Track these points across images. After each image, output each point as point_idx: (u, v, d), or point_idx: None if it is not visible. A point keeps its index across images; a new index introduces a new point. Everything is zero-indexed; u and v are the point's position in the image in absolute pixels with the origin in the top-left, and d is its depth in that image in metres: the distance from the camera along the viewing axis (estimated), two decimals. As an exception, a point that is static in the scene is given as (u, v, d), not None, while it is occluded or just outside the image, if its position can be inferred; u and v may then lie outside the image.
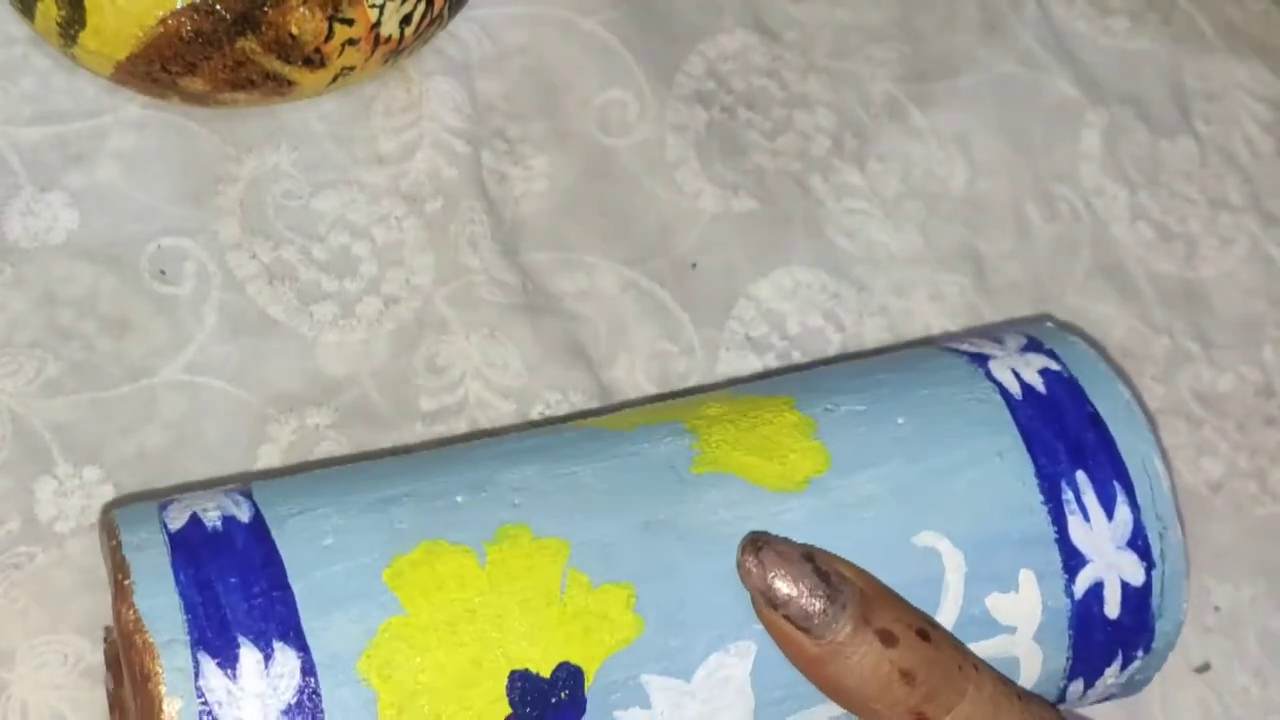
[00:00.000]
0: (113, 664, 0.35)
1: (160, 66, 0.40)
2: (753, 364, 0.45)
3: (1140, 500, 0.37)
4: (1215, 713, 0.45)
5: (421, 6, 0.42)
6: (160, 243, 0.43)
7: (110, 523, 0.34)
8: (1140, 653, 0.37)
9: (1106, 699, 0.39)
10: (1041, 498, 0.36)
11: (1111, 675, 0.37)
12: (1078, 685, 0.37)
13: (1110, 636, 0.36)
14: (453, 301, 0.44)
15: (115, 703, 0.34)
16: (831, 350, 0.46)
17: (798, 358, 0.46)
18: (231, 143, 0.44)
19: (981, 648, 0.35)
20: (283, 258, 0.43)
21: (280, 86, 0.41)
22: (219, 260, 0.43)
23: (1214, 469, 0.48)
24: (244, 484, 0.36)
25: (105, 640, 0.35)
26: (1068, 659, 0.36)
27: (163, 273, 0.42)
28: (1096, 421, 0.37)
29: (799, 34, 0.49)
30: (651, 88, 0.48)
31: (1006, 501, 0.36)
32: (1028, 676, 0.36)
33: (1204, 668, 0.45)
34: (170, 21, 0.40)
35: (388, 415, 0.42)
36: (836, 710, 0.34)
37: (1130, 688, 0.38)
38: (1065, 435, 0.37)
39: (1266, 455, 0.48)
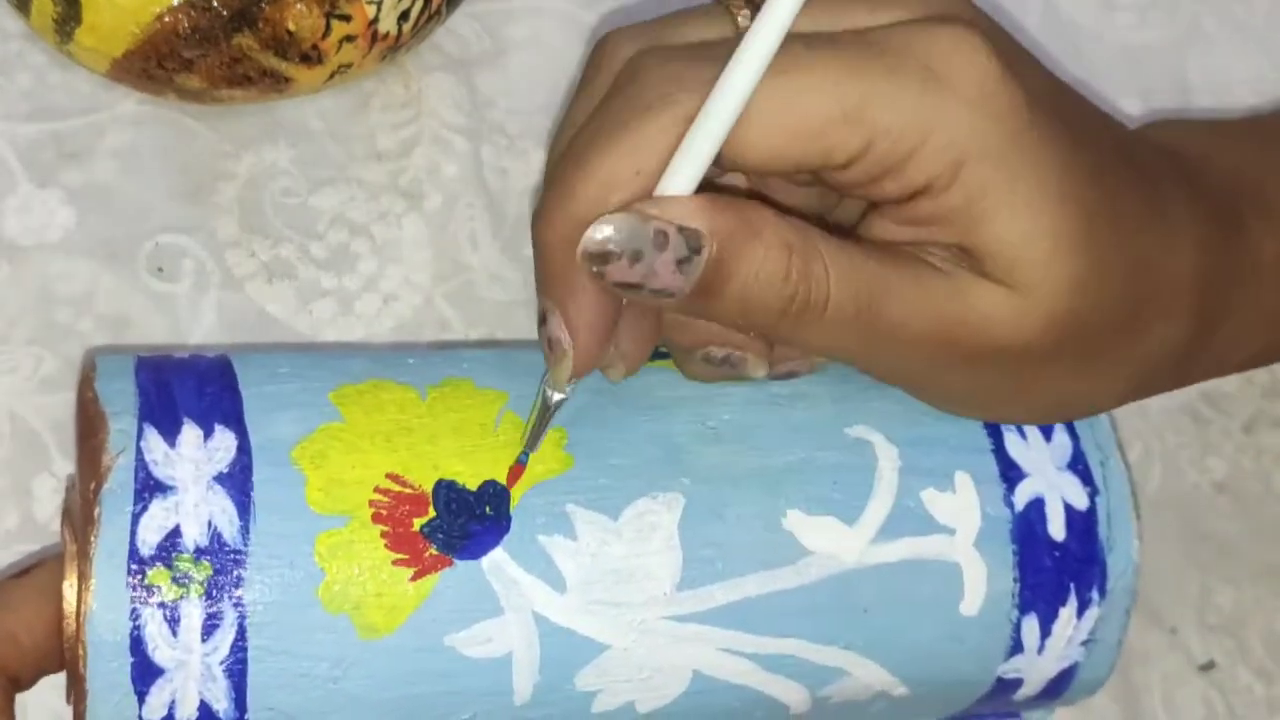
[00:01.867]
0: (70, 488, 0.36)
1: (157, 63, 0.40)
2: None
3: (1079, 430, 0.37)
4: (1219, 711, 0.45)
5: (419, 3, 0.41)
6: (158, 240, 0.42)
7: (89, 353, 0.36)
8: (1095, 594, 0.37)
9: (1084, 690, 0.38)
10: None
11: (1068, 620, 0.37)
12: (1032, 625, 0.37)
13: (1059, 563, 0.36)
14: (452, 299, 0.44)
15: (66, 516, 0.35)
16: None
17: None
18: (229, 140, 0.44)
19: (920, 545, 0.36)
20: (281, 255, 0.43)
21: (277, 83, 0.41)
22: (217, 258, 0.43)
23: (1219, 469, 0.47)
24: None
25: (69, 484, 0.37)
26: (1014, 579, 0.36)
27: (160, 270, 0.42)
28: None
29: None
30: (653, 81, 0.47)
31: (941, 413, 0.36)
32: (973, 592, 0.36)
33: (1208, 665, 0.45)
34: (167, 18, 0.39)
35: (387, 413, 0.42)
36: (769, 583, 0.35)
37: (1097, 657, 0.38)
38: None
39: (1272, 456, 0.48)
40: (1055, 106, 0.33)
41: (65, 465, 0.40)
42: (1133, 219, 0.34)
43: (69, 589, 0.33)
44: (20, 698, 0.37)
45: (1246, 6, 0.53)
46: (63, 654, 0.34)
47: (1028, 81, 0.32)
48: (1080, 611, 0.37)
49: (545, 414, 0.34)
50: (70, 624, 0.33)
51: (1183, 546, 0.46)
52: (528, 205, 0.45)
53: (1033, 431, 0.37)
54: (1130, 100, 0.51)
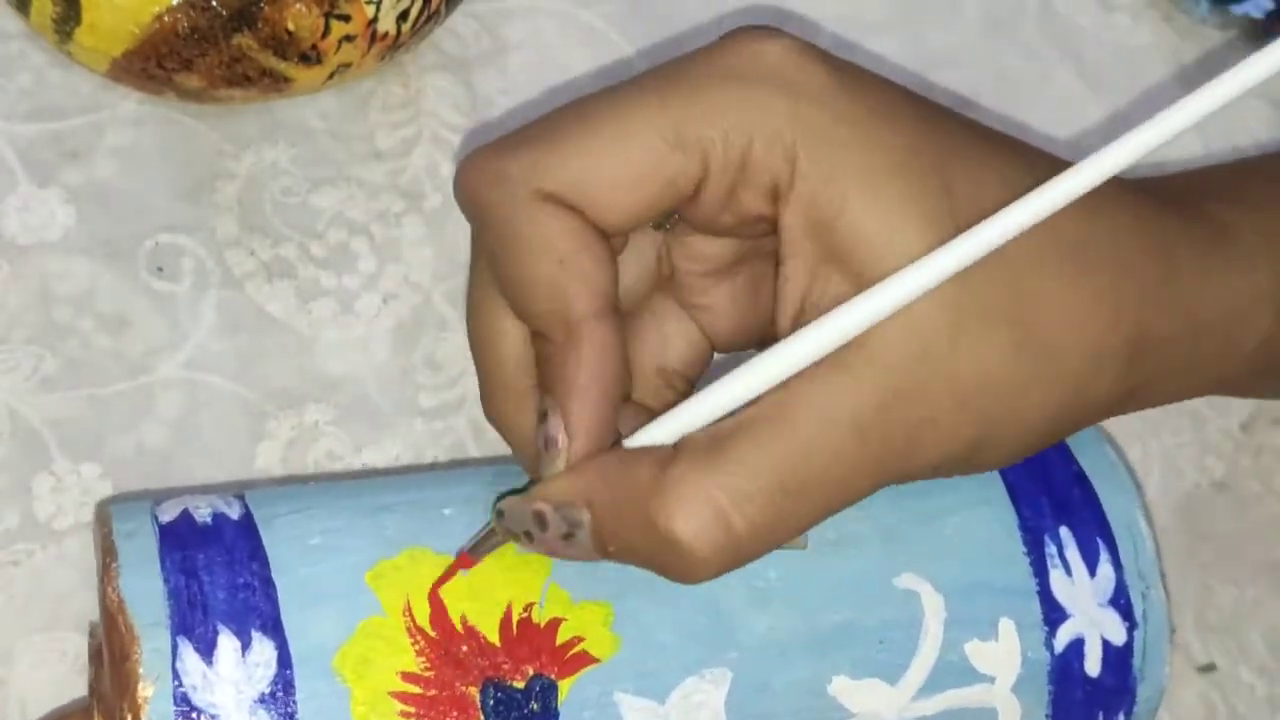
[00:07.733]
0: (95, 656, 0.35)
1: (156, 63, 0.40)
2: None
3: (1123, 559, 0.37)
4: (1219, 711, 0.45)
5: (418, 2, 0.42)
6: (158, 239, 0.43)
7: (104, 514, 0.34)
8: (1121, 718, 0.37)
9: None
10: (1024, 549, 0.36)
11: None
12: None
13: (1090, 696, 0.36)
14: (452, 298, 0.44)
15: (95, 693, 0.35)
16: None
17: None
18: (229, 139, 0.44)
19: (960, 696, 0.35)
20: (281, 255, 0.43)
21: (277, 83, 0.41)
22: (217, 257, 0.43)
23: (1218, 468, 0.47)
24: (239, 490, 0.36)
25: (91, 635, 0.36)
26: (1047, 716, 0.36)
27: (160, 270, 0.42)
28: (1082, 480, 0.37)
29: (799, 28, 0.49)
30: (652, 82, 0.47)
31: (990, 550, 0.36)
32: None
33: (1209, 668, 0.45)
34: (166, 18, 0.39)
35: (387, 412, 0.42)
36: None
37: None
38: (1050, 491, 0.37)
39: (1271, 455, 0.48)
40: (880, 82, 0.32)
41: (65, 464, 0.40)
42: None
43: None
44: (19, 694, 0.37)
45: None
46: None
47: (842, 69, 0.32)
48: None
49: (493, 538, 0.33)
50: None
51: (1183, 546, 0.46)
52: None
53: (1078, 565, 0.36)
54: (1128, 101, 0.51)
